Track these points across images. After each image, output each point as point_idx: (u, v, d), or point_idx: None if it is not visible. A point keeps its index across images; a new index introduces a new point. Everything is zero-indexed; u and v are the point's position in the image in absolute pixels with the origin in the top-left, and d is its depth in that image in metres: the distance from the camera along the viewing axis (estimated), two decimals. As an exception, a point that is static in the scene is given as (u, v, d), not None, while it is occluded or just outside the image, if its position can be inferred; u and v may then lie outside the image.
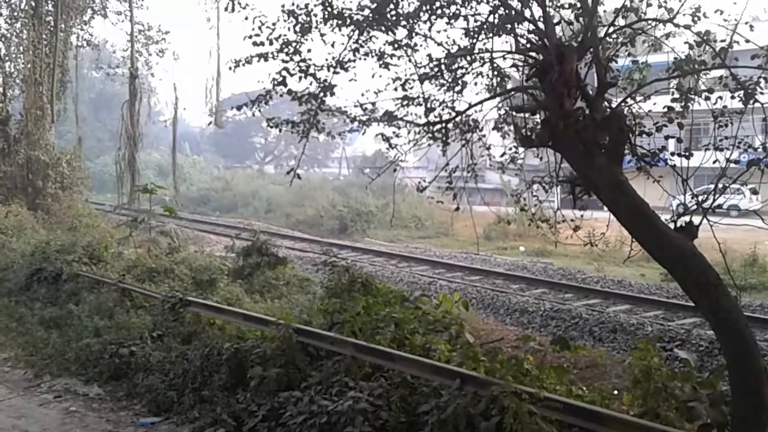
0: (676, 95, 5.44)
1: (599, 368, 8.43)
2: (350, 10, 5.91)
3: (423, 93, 6.24)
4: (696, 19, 5.21)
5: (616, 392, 6.72)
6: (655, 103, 5.62)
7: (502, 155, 6.99)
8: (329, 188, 43.66)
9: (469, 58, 5.98)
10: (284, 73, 6.18)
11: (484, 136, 6.87)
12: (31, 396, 8.31)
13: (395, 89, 6.29)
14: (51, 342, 9.97)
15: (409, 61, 6.18)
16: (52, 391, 8.46)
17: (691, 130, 5.51)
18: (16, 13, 25.52)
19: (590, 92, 5.26)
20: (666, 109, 5.47)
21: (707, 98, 5.34)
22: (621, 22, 5.46)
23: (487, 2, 5.64)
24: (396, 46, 6.09)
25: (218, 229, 28.81)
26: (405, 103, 6.31)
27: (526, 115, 6.08)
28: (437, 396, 6.06)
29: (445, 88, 6.22)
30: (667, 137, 5.47)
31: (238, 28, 6.59)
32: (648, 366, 5.79)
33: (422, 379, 6.55)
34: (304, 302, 11.40)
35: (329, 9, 5.95)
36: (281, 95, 6.33)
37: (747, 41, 5.04)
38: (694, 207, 5.07)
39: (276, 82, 6.22)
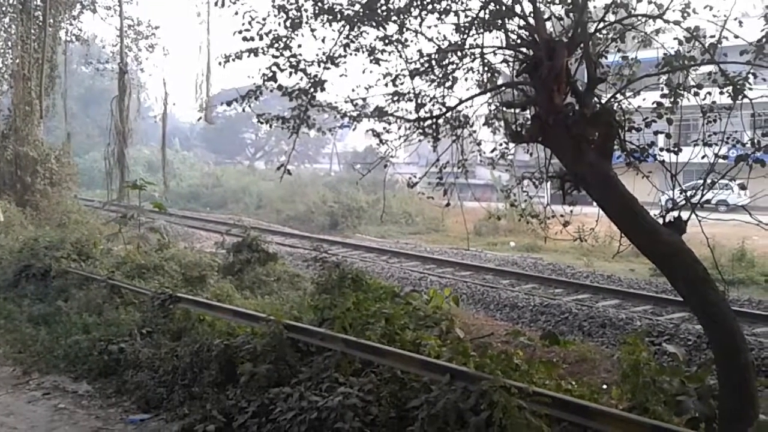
0: (666, 91, 5.46)
1: (588, 363, 8.46)
2: (341, 5, 5.90)
3: (414, 89, 6.25)
4: (685, 15, 5.23)
5: (605, 386, 6.75)
6: (644, 99, 5.64)
7: (492, 151, 7.00)
8: (320, 184, 43.57)
9: (459, 53, 5.99)
10: (274, 68, 6.17)
11: (474, 131, 6.88)
12: (20, 393, 8.26)
13: (386, 85, 6.30)
14: (39, 339, 9.92)
15: (400, 56, 6.19)
16: (41, 388, 8.41)
17: (680, 125, 5.53)
18: (4, 8, 25.32)
19: (580, 88, 5.27)
20: (655, 105, 5.50)
21: (696, 94, 5.37)
22: (611, 17, 5.47)
23: (478, -2, 5.64)
24: (387, 41, 6.09)
25: (208, 225, 28.71)
26: (395, 98, 6.31)
27: (517, 110, 6.09)
28: (427, 391, 6.06)
29: (435, 83, 6.22)
30: (656, 133, 5.49)
31: (229, 23, 6.58)
32: (637, 360, 5.82)
33: (412, 375, 6.56)
34: (294, 298, 11.38)
35: (320, 4, 5.93)
36: (271, 91, 6.30)
37: (736, 37, 5.06)
38: (683, 202, 5.10)
39: (266, 78, 6.20)
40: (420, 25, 5.94)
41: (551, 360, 7.26)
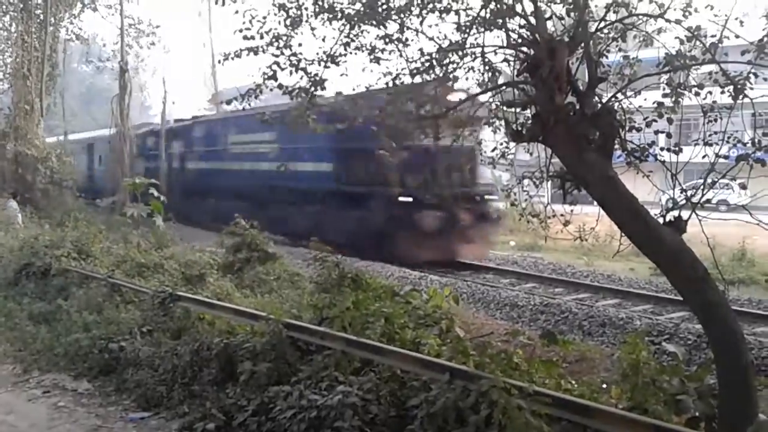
0: (667, 90, 5.46)
1: (588, 362, 8.45)
2: (341, 3, 5.90)
3: (414, 88, 6.24)
4: (687, 14, 5.23)
5: (604, 386, 6.73)
6: (645, 99, 5.63)
7: (492, 150, 6.99)
8: (320, 183, 43.46)
9: (460, 52, 5.97)
10: (275, 67, 6.17)
11: (475, 131, 6.88)
12: (20, 391, 8.26)
13: (386, 84, 6.29)
14: (40, 337, 9.91)
15: (401, 55, 6.18)
16: (41, 386, 8.40)
17: (680, 125, 5.52)
18: (4, 7, 25.37)
19: (581, 87, 5.27)
20: (656, 105, 5.49)
21: (697, 93, 5.36)
22: (612, 17, 5.46)
23: (479, -3, 5.63)
24: (387, 40, 6.09)
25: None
26: (396, 97, 6.30)
27: (517, 110, 6.08)
28: (427, 390, 6.05)
29: (436, 82, 6.22)
30: (656, 132, 5.49)
31: (230, 21, 6.58)
32: (636, 360, 5.81)
33: (412, 374, 6.55)
34: (294, 297, 11.36)
35: (320, 3, 5.93)
36: (272, 89, 6.31)
37: (737, 36, 5.06)
38: (683, 202, 5.10)
39: (266, 76, 6.21)
40: (420, 24, 5.94)
41: (551, 359, 7.23)
